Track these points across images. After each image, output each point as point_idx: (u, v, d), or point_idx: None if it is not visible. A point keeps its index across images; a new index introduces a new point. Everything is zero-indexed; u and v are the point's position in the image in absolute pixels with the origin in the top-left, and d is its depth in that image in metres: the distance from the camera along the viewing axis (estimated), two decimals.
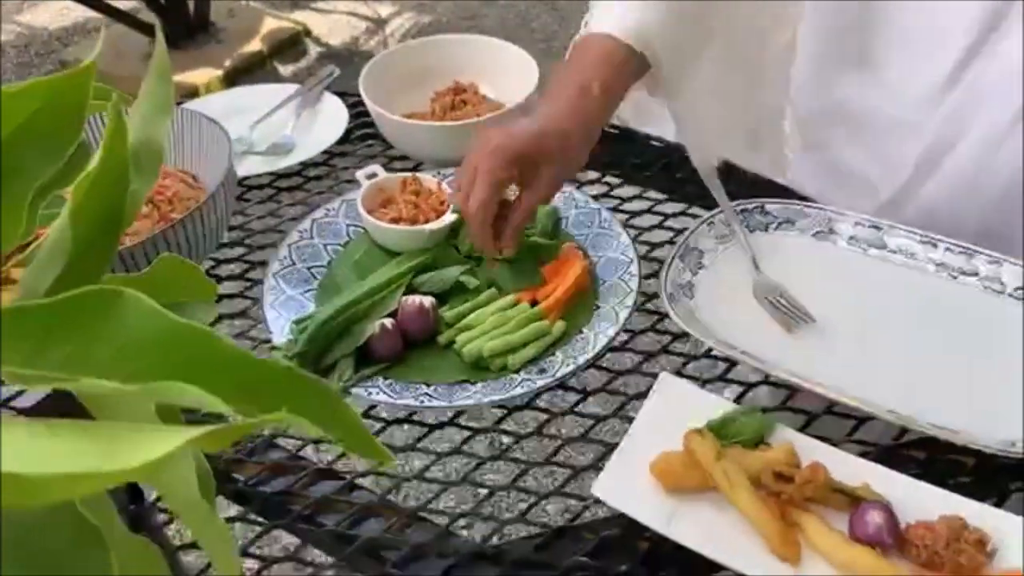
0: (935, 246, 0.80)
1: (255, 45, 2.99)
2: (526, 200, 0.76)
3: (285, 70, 2.95)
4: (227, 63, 2.88)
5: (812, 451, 0.63)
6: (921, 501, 0.61)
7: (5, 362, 0.32)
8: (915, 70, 0.83)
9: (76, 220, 0.38)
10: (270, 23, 3.12)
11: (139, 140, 0.41)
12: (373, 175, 0.89)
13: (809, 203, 0.86)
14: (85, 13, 3.09)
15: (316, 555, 0.68)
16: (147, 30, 2.91)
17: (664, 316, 0.78)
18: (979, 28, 0.78)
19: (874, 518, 0.58)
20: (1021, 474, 0.66)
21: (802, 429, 0.69)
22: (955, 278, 0.79)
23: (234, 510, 0.67)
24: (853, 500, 0.60)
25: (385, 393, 0.70)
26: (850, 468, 0.63)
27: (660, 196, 0.95)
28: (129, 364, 0.32)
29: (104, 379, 0.32)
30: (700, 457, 0.61)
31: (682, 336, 0.78)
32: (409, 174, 0.88)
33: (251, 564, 0.63)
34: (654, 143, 1.01)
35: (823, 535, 0.58)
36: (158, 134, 0.41)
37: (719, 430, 0.64)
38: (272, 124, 1.06)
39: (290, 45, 3.07)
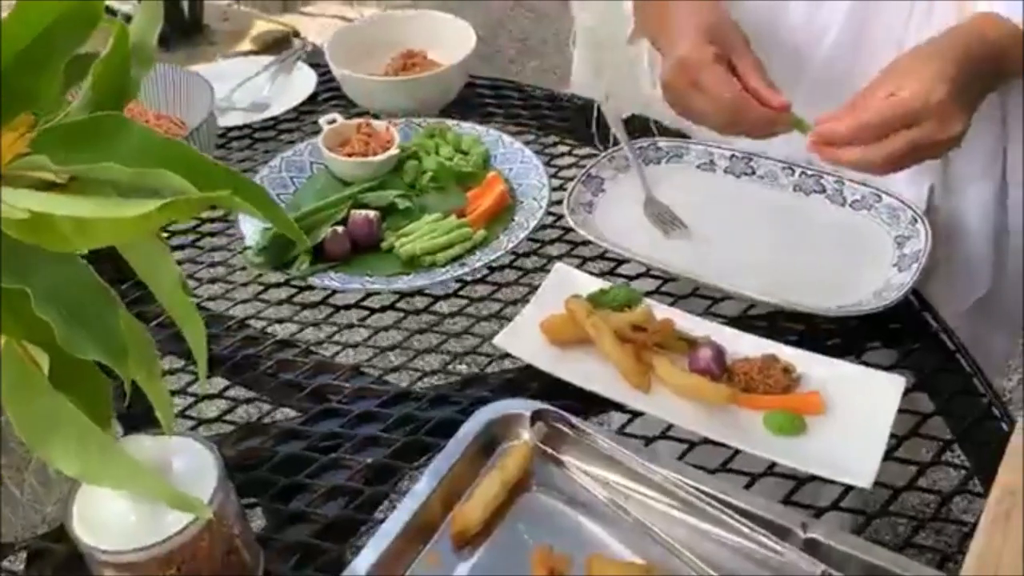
0: (793, 171, 0.98)
1: (245, 46, 3.17)
2: (741, 63, 0.81)
3: None
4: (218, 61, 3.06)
5: (665, 312, 0.80)
6: (748, 347, 0.78)
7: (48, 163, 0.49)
8: None
9: (95, 87, 0.55)
10: (261, 26, 3.30)
11: (137, 40, 0.57)
12: (333, 120, 1.06)
13: (694, 140, 1.03)
14: None
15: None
16: None
17: (570, 230, 0.94)
18: None
19: (705, 354, 0.75)
20: (837, 335, 0.82)
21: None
22: (808, 195, 0.96)
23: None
24: (694, 345, 0.77)
25: (336, 281, 0.87)
26: (695, 325, 0.80)
27: (576, 143, 1.12)
28: (130, 163, 0.49)
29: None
30: (576, 315, 0.78)
31: (582, 244, 0.95)
32: (362, 119, 1.05)
33: (224, 404, 0.80)
34: (576, 100, 1.18)
35: (668, 369, 0.75)
36: (151, 37, 0.58)
37: (595, 299, 0.81)
38: (251, 87, 1.23)
39: (279, 46, 3.26)
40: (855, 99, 0.77)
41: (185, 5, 3.16)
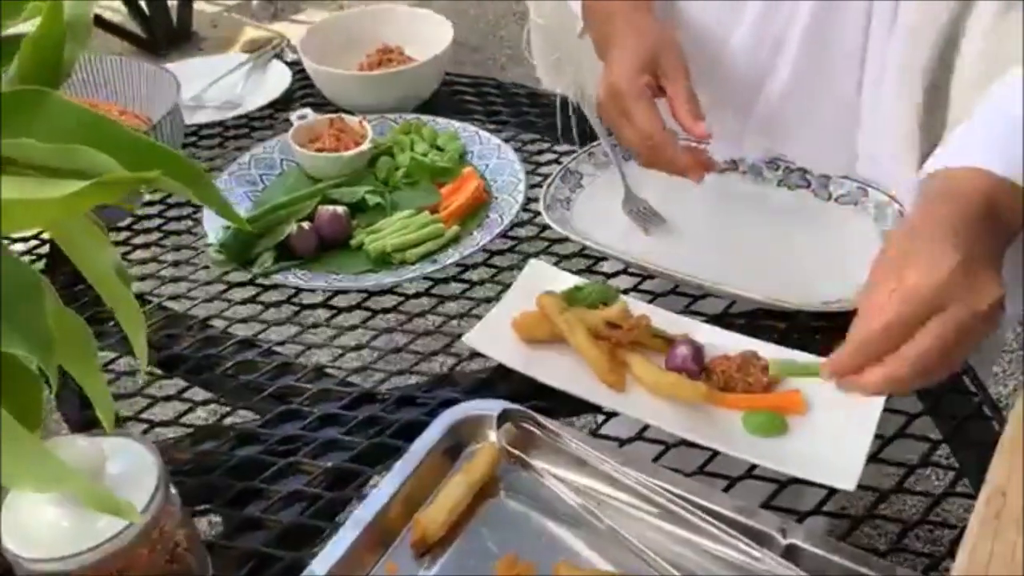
0: (777, 167, 0.94)
1: (234, 52, 3.15)
2: (671, 89, 0.80)
3: None
4: None
5: (642, 310, 0.77)
6: (727, 344, 0.74)
7: None
8: None
9: (23, 65, 0.51)
10: (250, 32, 3.28)
11: (72, 15, 0.54)
12: (304, 116, 1.03)
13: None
14: None
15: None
16: (132, 39, 3.08)
17: (547, 228, 0.91)
18: None
19: (682, 351, 0.72)
20: (822, 332, 0.79)
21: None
22: (792, 189, 0.93)
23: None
24: (671, 343, 0.74)
25: (300, 279, 0.84)
26: (673, 322, 0.76)
27: (556, 140, 1.09)
28: (57, 141, 0.46)
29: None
30: (548, 311, 0.75)
31: (559, 242, 0.91)
32: (335, 115, 1.02)
33: (181, 406, 0.76)
34: (554, 98, 1.15)
35: (643, 367, 0.71)
36: (86, 13, 0.55)
37: (570, 296, 0.78)
38: (225, 85, 1.20)
39: None
40: (859, 308, 0.60)
41: (174, 12, 3.14)
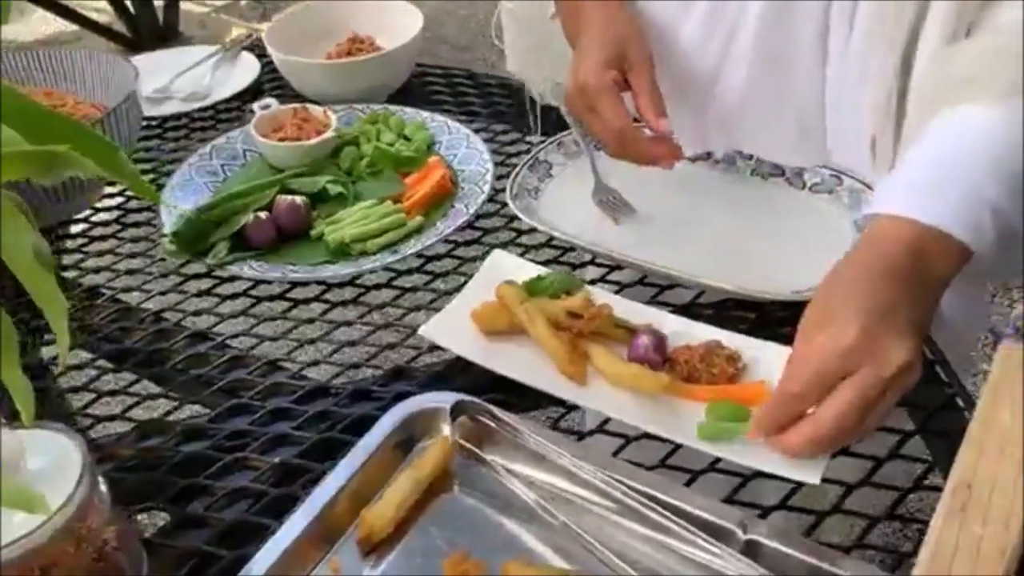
0: (750, 156, 0.92)
1: None
2: (635, 83, 0.81)
3: None
4: None
5: (605, 298, 0.75)
6: (692, 334, 0.72)
7: None
8: None
9: None
10: (236, 33, 3.26)
11: None
12: (267, 106, 1.00)
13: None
14: (65, 27, 3.22)
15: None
16: (118, 39, 3.06)
17: (516, 218, 0.89)
18: None
19: (644, 341, 0.69)
20: (792, 322, 0.76)
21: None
22: (765, 179, 0.91)
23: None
24: (634, 333, 0.71)
25: (255, 270, 0.81)
26: (638, 312, 0.74)
27: (528, 131, 1.06)
28: None
29: None
30: (507, 301, 0.72)
31: (527, 232, 0.89)
32: (299, 104, 1.00)
33: (129, 400, 0.74)
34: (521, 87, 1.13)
35: (604, 358, 0.69)
36: None
37: (531, 285, 0.75)
38: (192, 77, 1.18)
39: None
40: (786, 364, 0.62)
41: (160, 12, 3.12)
